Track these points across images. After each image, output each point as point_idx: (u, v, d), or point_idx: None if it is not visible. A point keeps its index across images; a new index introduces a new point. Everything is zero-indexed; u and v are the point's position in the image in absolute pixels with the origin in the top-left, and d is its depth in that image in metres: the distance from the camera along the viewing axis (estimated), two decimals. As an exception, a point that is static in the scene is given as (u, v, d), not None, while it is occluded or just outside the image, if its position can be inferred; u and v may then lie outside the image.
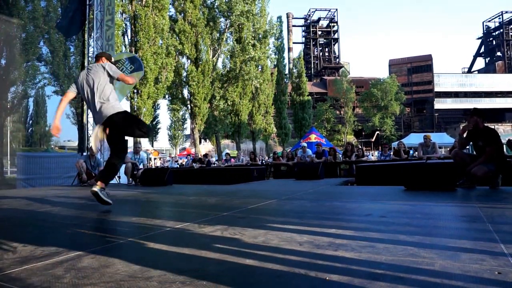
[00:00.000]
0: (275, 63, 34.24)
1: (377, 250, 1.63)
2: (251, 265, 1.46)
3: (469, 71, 75.28)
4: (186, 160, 18.35)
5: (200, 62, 22.35)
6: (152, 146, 36.58)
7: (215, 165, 14.31)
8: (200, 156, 15.37)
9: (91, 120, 9.47)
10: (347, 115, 51.22)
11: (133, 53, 15.36)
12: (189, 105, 23.36)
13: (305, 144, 12.08)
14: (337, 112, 53.85)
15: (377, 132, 52.05)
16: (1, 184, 8.57)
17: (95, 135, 3.34)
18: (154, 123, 37.12)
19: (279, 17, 37.13)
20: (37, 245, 2.02)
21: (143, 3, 17.48)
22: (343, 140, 49.25)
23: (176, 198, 4.63)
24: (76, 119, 10.64)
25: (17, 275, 1.45)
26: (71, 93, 3.57)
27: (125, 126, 3.39)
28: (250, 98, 28.50)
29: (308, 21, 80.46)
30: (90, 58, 9.67)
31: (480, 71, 73.69)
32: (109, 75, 3.48)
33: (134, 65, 8.85)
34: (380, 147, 18.25)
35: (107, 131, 3.31)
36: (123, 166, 8.37)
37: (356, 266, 1.41)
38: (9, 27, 8.94)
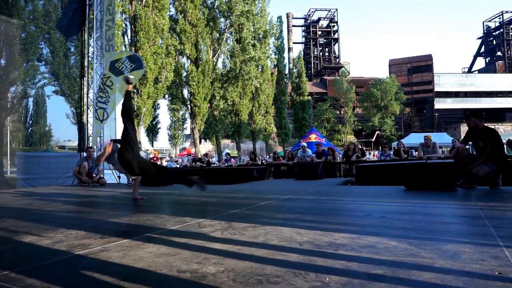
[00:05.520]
0: (275, 63, 34.20)
1: (377, 250, 1.63)
2: (251, 265, 1.46)
3: (469, 71, 75.22)
4: (186, 160, 18.33)
5: (200, 62, 22.34)
6: (152, 146, 36.57)
7: (216, 165, 14.29)
8: (200, 156, 15.35)
9: (91, 120, 9.47)
10: (347, 115, 51.20)
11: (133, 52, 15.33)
12: (189, 105, 23.35)
13: (305, 144, 12.06)
14: (337, 112, 53.81)
15: (377, 132, 52.02)
16: (1, 184, 8.57)
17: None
18: (154, 123, 37.12)
19: (279, 17, 37.13)
20: (37, 245, 2.02)
21: (143, 3, 17.46)
22: (343, 140, 49.24)
23: (176, 198, 4.63)
24: (76, 119, 10.63)
25: (17, 275, 1.44)
26: None
27: None
28: (250, 98, 28.48)
29: (308, 21, 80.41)
30: (90, 58, 9.66)
31: (480, 71, 73.62)
32: None
33: (135, 64, 8.82)
34: (380, 147, 18.25)
35: None
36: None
37: (356, 266, 1.40)
38: (9, 27, 8.94)
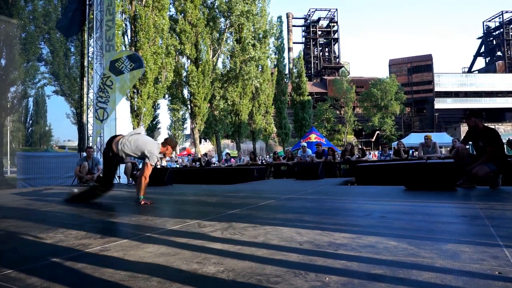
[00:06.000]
0: (275, 63, 34.17)
1: (377, 250, 1.63)
2: (251, 265, 1.46)
3: (469, 71, 75.21)
4: (186, 160, 18.34)
5: (200, 62, 22.34)
6: (152, 146, 36.43)
7: (216, 165, 14.30)
8: (199, 156, 15.37)
9: (91, 120, 9.47)
10: (347, 115, 51.20)
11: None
12: (189, 105, 23.35)
13: (305, 144, 12.06)
14: (337, 112, 53.81)
15: (377, 132, 52.03)
16: (1, 184, 8.57)
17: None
18: (154, 123, 37.12)
19: (279, 17, 37.08)
20: (37, 245, 2.02)
21: (143, 3, 17.46)
22: (343, 140, 49.25)
23: (176, 198, 4.63)
24: (76, 119, 10.64)
25: (17, 275, 1.44)
26: None
27: None
28: (250, 98, 28.47)
29: (308, 21, 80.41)
30: (90, 58, 9.66)
31: (480, 71, 73.62)
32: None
33: (135, 64, 8.82)
34: (380, 147, 18.26)
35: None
36: (123, 166, 8.37)
37: (356, 266, 1.40)
38: (9, 27, 8.94)
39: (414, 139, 24.39)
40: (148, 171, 3.84)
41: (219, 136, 27.30)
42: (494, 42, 75.00)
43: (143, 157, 3.87)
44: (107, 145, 3.97)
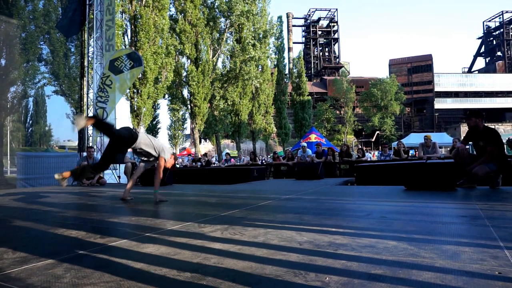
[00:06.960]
0: (275, 63, 34.16)
1: (377, 250, 1.63)
2: (251, 265, 1.46)
3: (469, 71, 75.23)
4: (186, 160, 18.35)
5: (200, 62, 22.34)
6: (152, 146, 36.42)
7: (216, 165, 14.31)
8: (200, 156, 15.37)
9: (91, 120, 9.47)
10: (347, 115, 51.19)
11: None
12: (189, 105, 23.35)
13: (305, 144, 12.05)
14: (337, 112, 53.82)
15: (377, 132, 52.03)
16: (1, 184, 8.57)
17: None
18: (154, 123, 37.05)
19: (279, 17, 37.03)
20: (37, 245, 2.02)
21: (143, 3, 17.45)
22: (343, 140, 49.24)
23: (176, 198, 4.63)
24: (76, 119, 10.63)
25: (17, 275, 1.44)
26: None
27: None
28: (250, 98, 28.47)
29: (308, 21, 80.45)
30: (90, 58, 9.66)
31: (480, 71, 73.64)
32: None
33: (135, 63, 8.83)
34: (380, 147, 18.27)
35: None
36: (123, 166, 8.37)
37: (356, 266, 1.40)
38: (9, 27, 8.94)
39: (414, 139, 24.37)
40: (162, 164, 3.98)
41: (219, 136, 27.30)
42: (494, 42, 75.03)
43: (157, 154, 3.95)
44: (129, 129, 3.89)
